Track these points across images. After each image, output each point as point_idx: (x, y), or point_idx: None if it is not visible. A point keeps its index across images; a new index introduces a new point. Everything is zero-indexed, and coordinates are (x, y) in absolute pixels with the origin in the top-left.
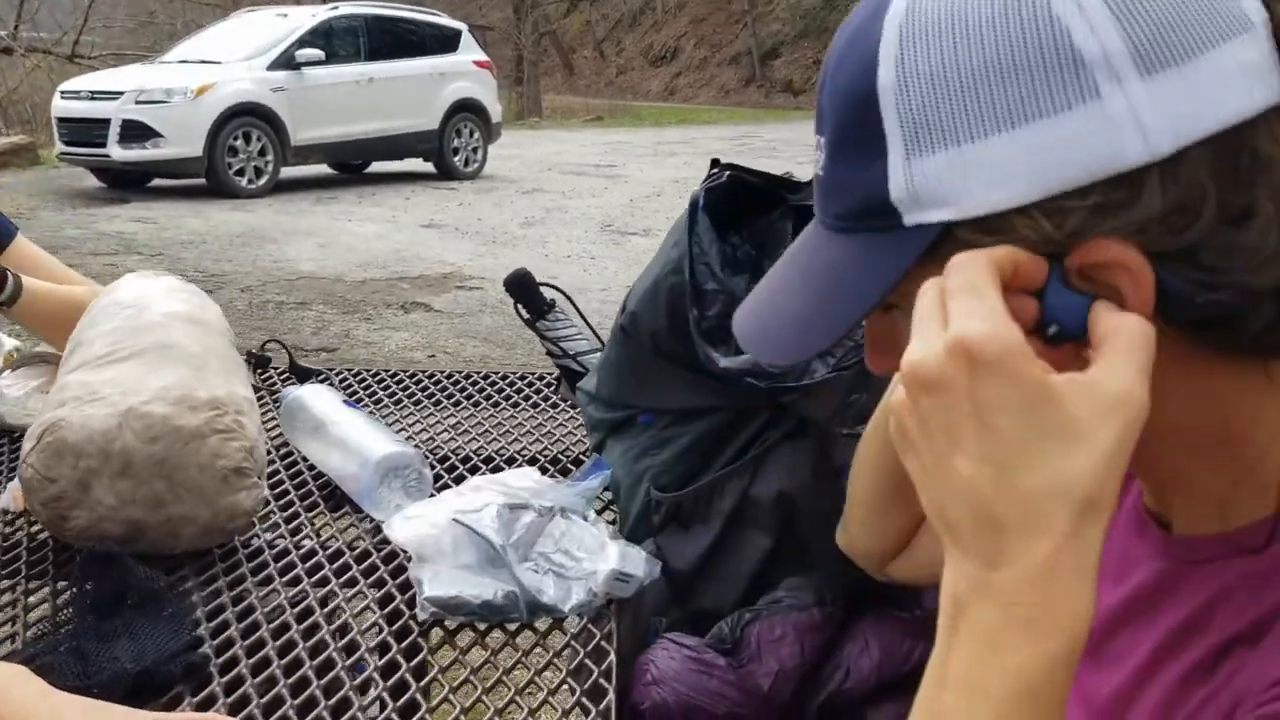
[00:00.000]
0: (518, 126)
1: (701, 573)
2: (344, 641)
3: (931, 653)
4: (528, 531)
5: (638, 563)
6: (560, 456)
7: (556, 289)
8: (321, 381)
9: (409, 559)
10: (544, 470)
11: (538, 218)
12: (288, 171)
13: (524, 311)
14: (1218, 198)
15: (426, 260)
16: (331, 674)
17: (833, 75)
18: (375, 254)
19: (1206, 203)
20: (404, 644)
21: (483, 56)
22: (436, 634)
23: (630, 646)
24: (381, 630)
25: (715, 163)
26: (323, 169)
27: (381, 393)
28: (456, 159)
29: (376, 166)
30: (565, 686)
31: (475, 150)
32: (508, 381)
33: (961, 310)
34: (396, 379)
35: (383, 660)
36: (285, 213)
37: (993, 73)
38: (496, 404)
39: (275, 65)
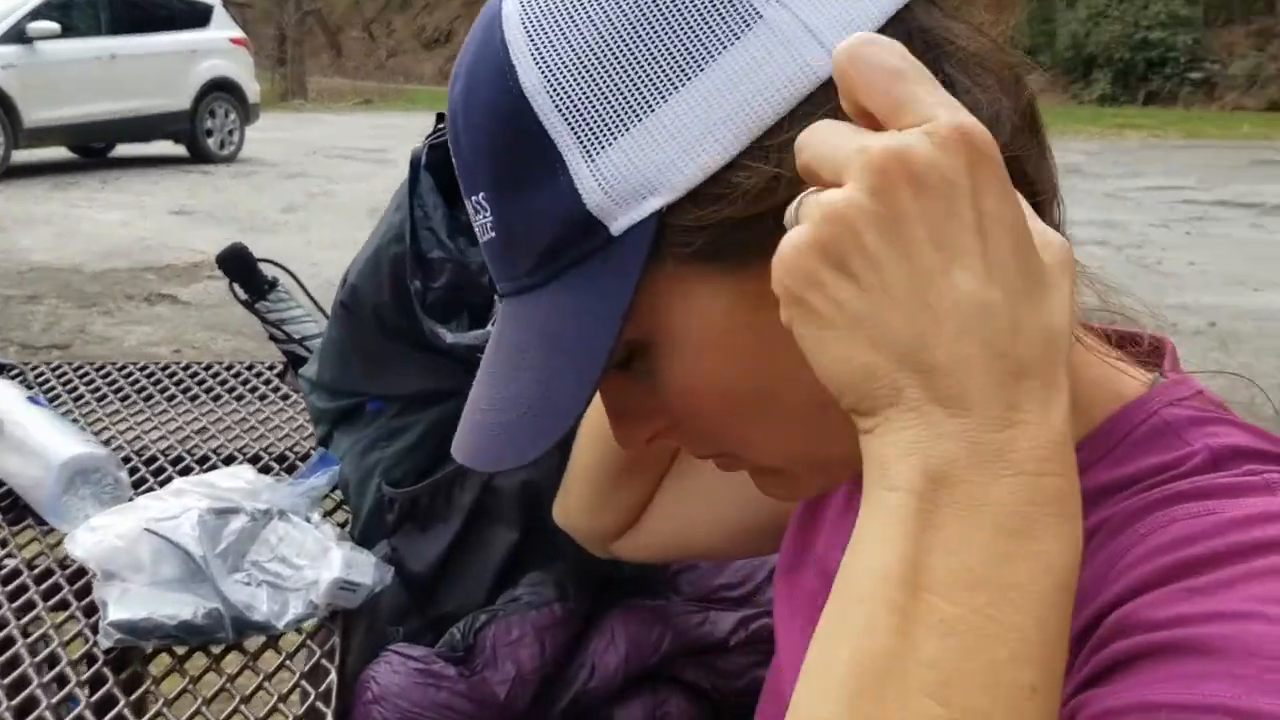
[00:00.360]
0: (281, 108)
1: (443, 574)
2: (13, 677)
3: (863, 557)
4: (238, 539)
5: (366, 569)
6: (288, 453)
7: (279, 265)
8: (13, 377)
9: (96, 577)
10: (267, 469)
11: (300, 203)
12: (20, 155)
13: (241, 291)
14: None
15: (175, 249)
16: None
17: (465, 118)
18: (118, 243)
19: None
20: (85, 676)
21: (238, 33)
22: (129, 662)
23: (362, 662)
24: (59, 661)
25: (441, 117)
26: (61, 152)
27: (85, 390)
28: (211, 141)
29: (122, 149)
30: (278, 713)
31: (231, 132)
32: (232, 372)
33: (938, 98)
34: (104, 374)
35: (60, 696)
36: (17, 199)
37: (644, 30)
38: (218, 397)
39: (4, 39)
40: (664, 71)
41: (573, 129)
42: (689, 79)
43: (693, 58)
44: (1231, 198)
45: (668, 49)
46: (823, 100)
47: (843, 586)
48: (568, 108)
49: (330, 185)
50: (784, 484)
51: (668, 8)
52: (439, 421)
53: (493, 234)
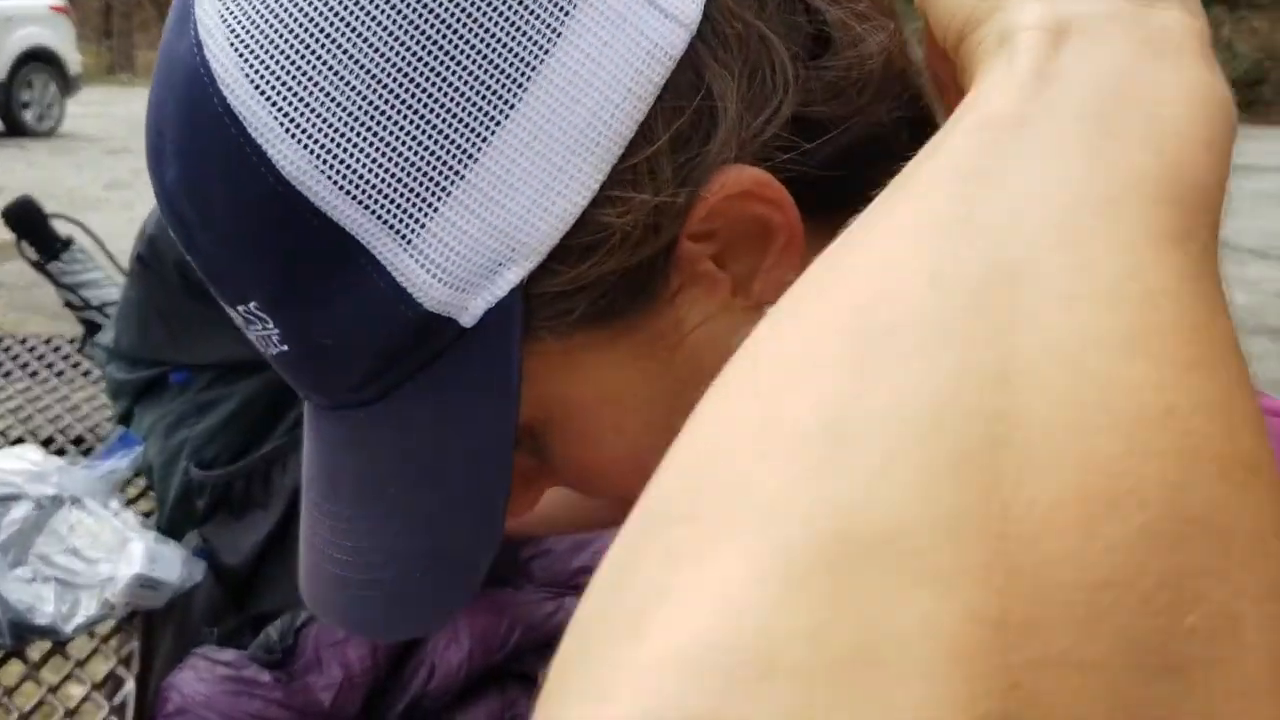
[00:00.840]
0: (107, 82)
1: (262, 567)
2: None
3: (965, 107)
4: (20, 529)
5: (172, 563)
6: (86, 434)
7: (76, 223)
8: None
9: None
10: (62, 452)
11: (125, 180)
12: None
13: (30, 251)
14: (782, 39)
15: None
16: None
17: (202, 220)
18: None
19: (775, 51)
20: None
21: (58, 0)
22: None
23: (171, 669)
24: None
25: None
26: None
27: None
28: (27, 114)
29: None
30: None
31: (50, 106)
32: (27, 347)
33: None
34: None
35: None
36: None
37: (433, 57)
38: (9, 374)
39: None
40: (474, 105)
41: (373, 212)
42: (510, 107)
43: (507, 77)
44: None
45: (471, 74)
46: (686, 87)
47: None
48: (361, 190)
49: None
50: None
51: (455, 20)
52: (255, 395)
53: (284, 348)
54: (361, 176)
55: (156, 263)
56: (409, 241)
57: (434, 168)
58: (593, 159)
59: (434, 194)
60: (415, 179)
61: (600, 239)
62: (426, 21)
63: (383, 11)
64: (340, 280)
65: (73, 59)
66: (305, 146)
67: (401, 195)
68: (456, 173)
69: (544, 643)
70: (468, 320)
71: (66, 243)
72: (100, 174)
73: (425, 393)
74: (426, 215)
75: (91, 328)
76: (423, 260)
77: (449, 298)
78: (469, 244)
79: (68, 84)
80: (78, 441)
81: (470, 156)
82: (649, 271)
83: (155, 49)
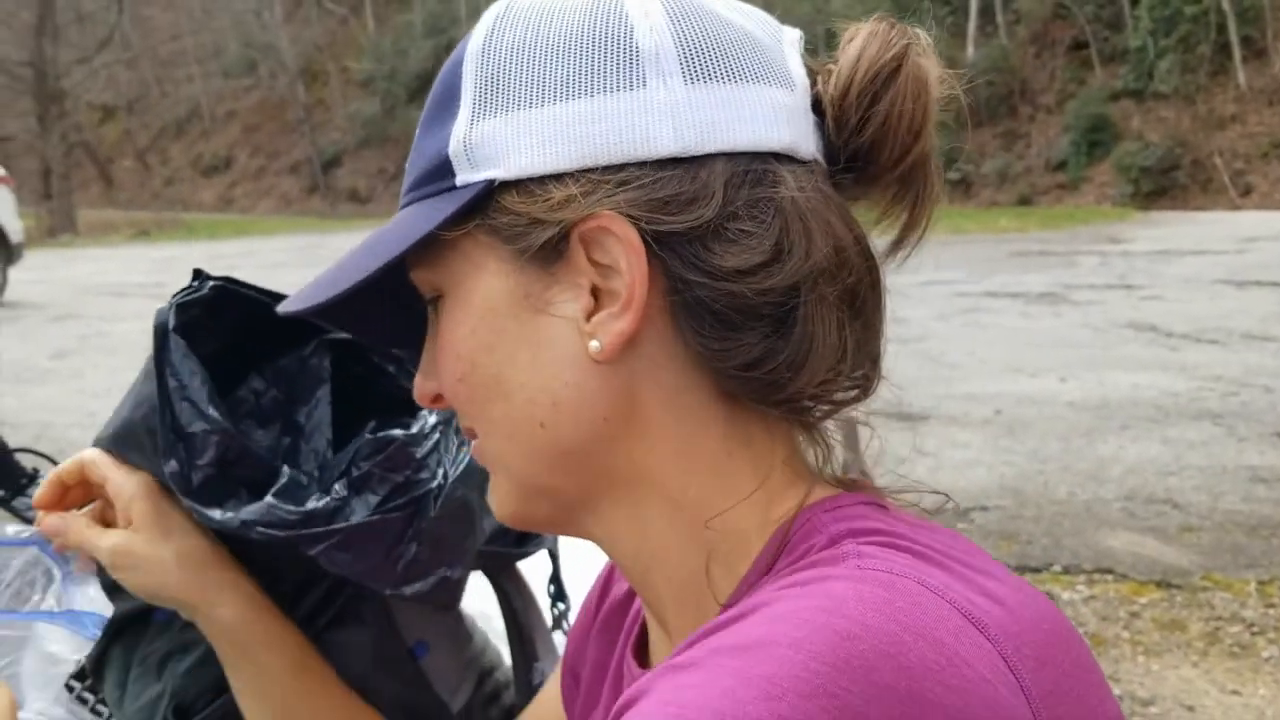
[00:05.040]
0: (48, 245)
1: None
2: None
3: None
4: None
5: None
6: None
7: (41, 455)
8: None
9: None
10: None
11: (72, 348)
12: None
13: None
14: (723, 199)
15: None
16: None
17: (450, 55)
18: None
19: (712, 201)
20: None
21: None
22: None
23: None
24: None
25: (198, 274)
26: None
27: None
28: None
29: None
30: None
31: None
32: None
33: None
34: None
35: None
36: None
37: (560, 49)
38: None
39: None
40: (554, 85)
41: (475, 94)
42: (567, 99)
43: (579, 85)
44: (998, 288)
45: (566, 71)
46: (651, 168)
47: None
48: (481, 77)
49: (105, 326)
50: (504, 493)
51: (586, 44)
52: None
53: (412, 149)
54: (487, 73)
55: None
56: (473, 121)
57: (512, 97)
58: (573, 155)
59: (500, 108)
60: (501, 94)
61: (541, 194)
62: (583, 33)
63: (575, 15)
64: (444, 115)
65: (14, 227)
66: (484, 42)
67: (490, 96)
68: (516, 108)
69: None
70: (459, 180)
71: (32, 476)
72: (46, 343)
73: (417, 208)
74: (488, 116)
75: None
76: (469, 132)
77: (460, 156)
78: (490, 142)
79: (10, 253)
80: None
81: (529, 106)
82: (550, 236)
83: (96, 208)
